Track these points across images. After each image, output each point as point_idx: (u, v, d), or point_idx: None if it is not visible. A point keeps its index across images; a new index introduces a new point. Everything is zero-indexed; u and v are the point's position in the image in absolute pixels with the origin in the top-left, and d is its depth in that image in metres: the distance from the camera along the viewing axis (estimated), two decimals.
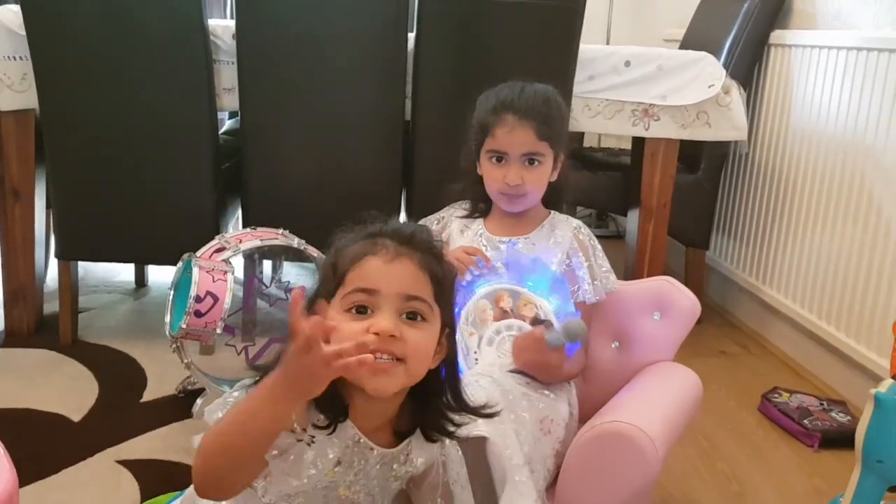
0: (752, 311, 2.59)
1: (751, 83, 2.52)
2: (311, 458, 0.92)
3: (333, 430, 0.92)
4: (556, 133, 1.38)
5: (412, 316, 0.91)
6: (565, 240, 1.41)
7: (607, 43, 3.52)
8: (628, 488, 1.19)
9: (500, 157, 1.40)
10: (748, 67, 2.47)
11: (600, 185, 2.51)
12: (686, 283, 2.56)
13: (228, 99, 2.08)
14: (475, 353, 1.34)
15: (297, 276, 2.71)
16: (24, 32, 1.91)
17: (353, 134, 2.08)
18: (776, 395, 2.03)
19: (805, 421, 1.90)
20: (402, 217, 2.19)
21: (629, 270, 2.42)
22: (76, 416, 1.79)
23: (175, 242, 1.91)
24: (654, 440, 1.15)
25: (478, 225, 1.49)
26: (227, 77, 2.05)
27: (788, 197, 2.37)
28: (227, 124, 2.73)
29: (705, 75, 2.18)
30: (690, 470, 1.76)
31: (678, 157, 2.32)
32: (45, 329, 2.22)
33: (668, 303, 1.47)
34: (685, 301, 1.46)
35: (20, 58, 1.96)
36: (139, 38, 1.92)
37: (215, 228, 2.06)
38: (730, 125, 2.24)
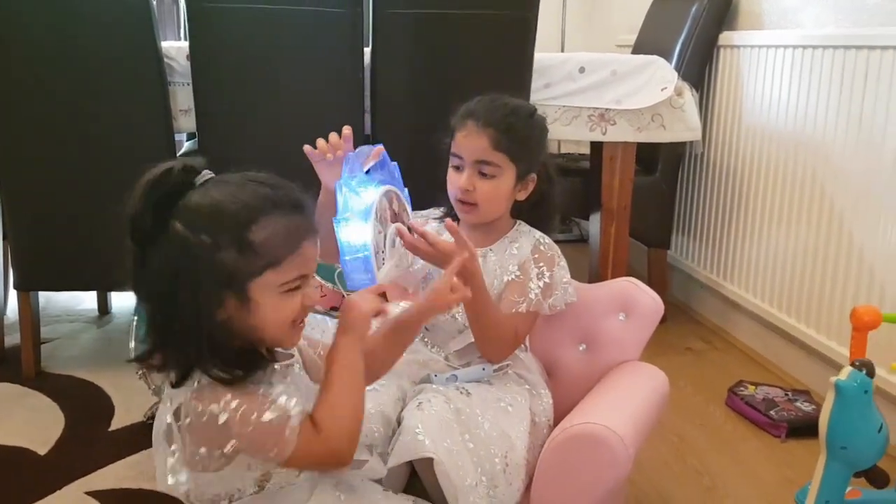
0: (715, 308, 2.63)
1: (702, 84, 2.57)
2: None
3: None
4: (518, 147, 1.37)
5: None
6: (523, 251, 1.41)
7: (562, 50, 3.57)
8: (601, 488, 1.20)
9: (457, 164, 1.41)
10: (699, 69, 2.52)
11: (562, 190, 2.53)
12: (650, 283, 2.61)
13: (185, 120, 2.06)
14: (383, 252, 1.24)
15: None
16: None
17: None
18: (742, 388, 2.07)
19: (771, 412, 1.94)
20: None
21: (594, 273, 2.45)
22: (42, 450, 1.76)
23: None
24: (623, 439, 1.17)
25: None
26: (182, 99, 2.04)
27: (744, 194, 2.42)
28: (185, 146, 2.70)
29: (657, 78, 2.23)
30: (662, 466, 1.78)
31: (636, 159, 2.36)
32: (8, 362, 2.18)
33: (632, 303, 1.49)
34: (649, 301, 1.48)
35: None
36: (91, 62, 1.91)
37: None
38: (684, 126, 2.28)
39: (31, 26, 1.87)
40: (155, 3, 1.93)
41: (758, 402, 1.99)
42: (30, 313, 2.08)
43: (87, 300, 2.66)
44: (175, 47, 2.01)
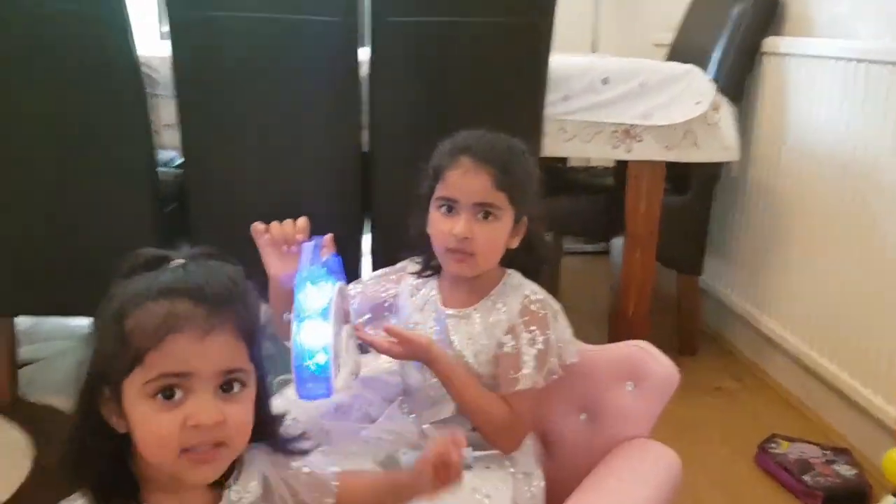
0: (750, 341, 2.41)
1: (743, 94, 2.33)
2: None
3: None
4: (517, 187, 1.19)
5: (229, 387, 0.79)
6: (510, 314, 1.22)
7: (593, 51, 3.33)
8: None
9: (450, 207, 1.22)
10: (739, 76, 2.29)
11: (581, 209, 2.33)
12: (679, 312, 2.44)
13: (170, 136, 1.91)
14: (339, 357, 1.12)
15: None
16: None
17: (307, 169, 1.92)
18: (773, 445, 1.86)
19: (806, 477, 1.73)
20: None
21: (615, 303, 2.25)
22: (4, 495, 1.64)
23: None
24: None
25: (429, 289, 1.30)
26: (166, 113, 1.88)
27: (785, 220, 2.19)
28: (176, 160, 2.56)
29: (692, 91, 2.00)
30: None
31: (665, 178, 2.15)
32: None
33: (641, 372, 1.29)
34: (661, 370, 1.28)
35: None
36: (63, 74, 1.76)
37: None
38: (719, 145, 2.05)
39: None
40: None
41: (791, 463, 1.78)
42: (4, 340, 1.96)
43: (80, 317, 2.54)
44: (158, 57, 1.84)
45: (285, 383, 1.14)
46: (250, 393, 0.81)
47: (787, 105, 2.18)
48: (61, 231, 1.88)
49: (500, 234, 1.21)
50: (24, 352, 2.10)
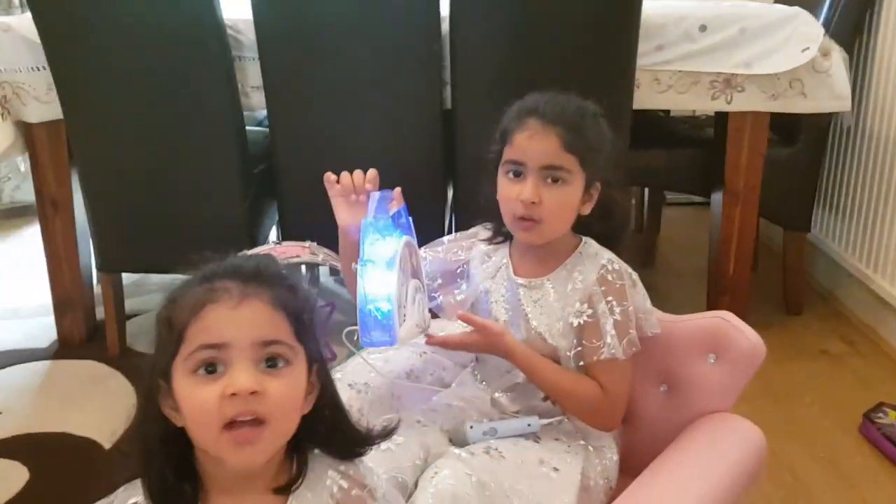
0: (863, 302, 2.25)
1: (859, 38, 2.14)
2: None
3: None
4: (587, 149, 1.13)
5: (272, 363, 0.77)
6: (586, 284, 1.17)
7: None
8: None
9: (517, 172, 1.17)
10: (856, 18, 2.10)
11: (679, 163, 2.22)
12: (784, 270, 2.31)
13: (257, 97, 1.93)
14: (404, 307, 1.09)
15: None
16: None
17: (390, 129, 1.91)
18: (881, 415, 1.74)
19: None
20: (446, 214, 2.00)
21: (713, 261, 2.15)
22: (108, 443, 1.75)
23: (210, 252, 1.81)
24: None
25: (501, 256, 1.27)
26: (253, 74, 1.91)
27: None
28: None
29: (798, 36, 1.86)
30: None
31: (772, 127, 2.01)
32: (99, 337, 2.18)
33: (724, 344, 1.22)
34: (745, 343, 1.21)
35: (43, 68, 1.89)
36: (154, 41, 1.80)
37: (249, 236, 1.96)
38: (829, 94, 1.91)
39: (90, 5, 1.78)
40: None
41: None
42: (111, 293, 2.07)
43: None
44: (244, 20, 1.86)
45: (354, 332, 1.14)
46: (296, 372, 0.79)
47: None
48: (158, 193, 1.95)
49: (569, 199, 1.16)
50: (129, 304, 2.21)
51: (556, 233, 1.19)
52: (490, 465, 1.08)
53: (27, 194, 3.36)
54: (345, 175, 1.20)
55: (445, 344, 1.17)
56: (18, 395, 1.95)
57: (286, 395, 0.78)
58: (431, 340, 1.16)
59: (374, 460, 1.04)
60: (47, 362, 2.10)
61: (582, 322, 1.15)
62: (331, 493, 0.84)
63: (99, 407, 1.88)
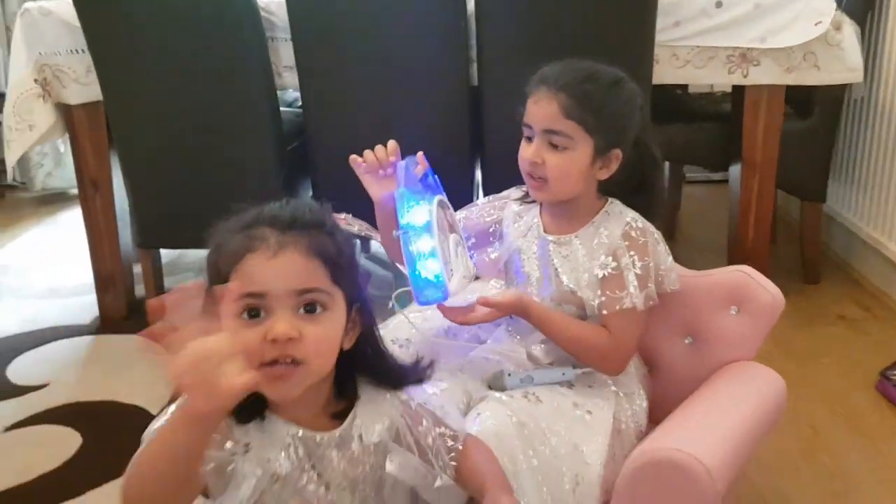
0: (878, 269, 2.31)
1: (871, 11, 2.19)
2: (252, 464, 0.85)
3: (259, 420, 0.87)
4: (594, 116, 1.19)
5: (310, 308, 0.83)
6: (612, 239, 1.24)
7: None
8: None
9: (529, 134, 1.25)
10: None
11: (697, 138, 2.28)
12: (801, 240, 2.37)
13: (290, 77, 2.01)
14: (449, 263, 1.17)
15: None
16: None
17: (418, 105, 1.98)
18: None
19: None
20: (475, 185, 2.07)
21: (733, 231, 2.21)
22: (155, 409, 1.83)
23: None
24: (711, 471, 1.01)
25: (532, 215, 1.35)
26: (286, 54, 1.98)
27: None
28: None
29: (810, 11, 1.92)
30: (788, 463, 1.59)
31: (787, 101, 2.07)
32: (138, 313, 2.27)
33: (746, 297, 1.29)
34: (766, 296, 1.28)
35: (82, 51, 1.97)
36: (191, 22, 1.89)
37: None
38: (842, 66, 1.96)
39: None
40: None
41: None
42: (151, 269, 2.16)
43: None
44: (275, 2, 1.93)
45: (402, 295, 1.22)
46: (334, 316, 0.85)
47: None
48: (195, 171, 2.03)
49: (572, 162, 1.21)
50: (166, 283, 2.29)
51: (565, 192, 1.25)
52: (528, 407, 1.16)
53: (60, 181, 3.46)
54: (367, 153, 1.25)
55: (468, 322, 1.23)
56: (65, 368, 2.04)
57: (322, 339, 0.84)
58: (448, 315, 1.22)
59: None
60: (90, 337, 2.19)
61: (606, 274, 1.22)
62: (390, 410, 0.93)
63: (143, 377, 1.96)
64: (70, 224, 3.17)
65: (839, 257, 2.52)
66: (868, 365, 1.90)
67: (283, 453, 0.87)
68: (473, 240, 1.37)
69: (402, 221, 1.12)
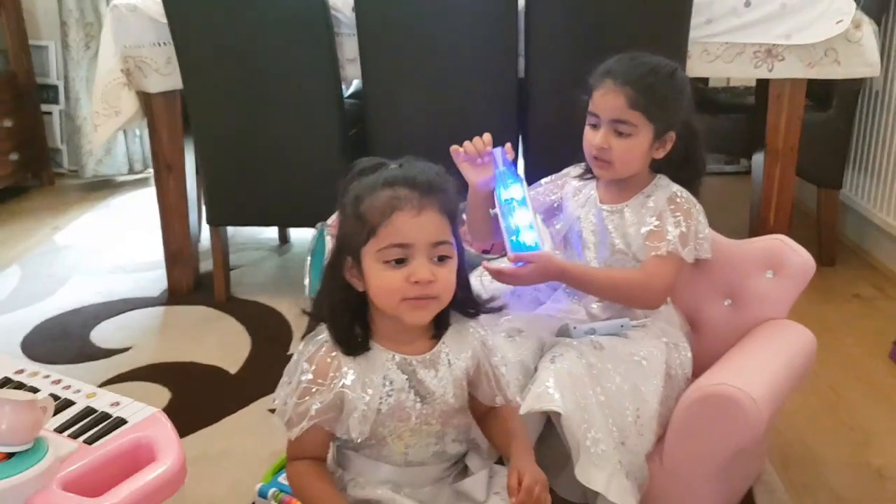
0: (891, 252, 2.49)
1: (887, 11, 2.37)
2: (360, 384, 1.04)
3: (363, 350, 1.05)
4: (655, 106, 1.37)
5: (442, 258, 1.03)
6: (658, 204, 1.42)
7: None
8: (732, 447, 1.24)
9: (594, 122, 1.43)
10: None
11: (723, 127, 2.46)
12: (818, 224, 2.55)
13: (352, 69, 2.18)
14: (541, 233, 1.41)
15: None
16: (165, 20, 2.09)
17: (469, 95, 2.15)
18: None
19: None
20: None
21: (755, 215, 2.38)
22: (233, 369, 2.01)
23: (310, 206, 2.05)
24: (757, 402, 1.19)
25: (590, 189, 1.53)
26: (349, 48, 2.16)
27: None
28: (353, 85, 2.84)
29: (833, 10, 2.08)
30: (812, 419, 1.77)
31: (807, 94, 2.24)
32: (203, 287, 2.45)
33: (780, 261, 1.47)
34: (798, 259, 1.46)
35: (164, 44, 2.15)
36: (267, 19, 2.06)
37: None
38: (861, 61, 2.13)
39: None
40: None
41: None
42: (220, 245, 2.33)
43: (269, 230, 2.92)
44: (341, 0, 2.11)
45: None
46: (454, 262, 1.06)
47: None
48: (265, 155, 2.20)
49: (635, 147, 1.40)
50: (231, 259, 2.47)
51: (627, 171, 1.44)
52: (595, 351, 1.34)
53: (109, 168, 3.64)
54: (467, 144, 1.44)
55: (500, 273, 1.39)
56: (143, 334, 2.21)
57: (449, 280, 1.05)
58: (487, 266, 1.40)
59: (504, 348, 1.31)
60: (161, 308, 2.37)
61: (651, 229, 1.41)
62: (472, 342, 1.12)
63: (217, 342, 2.14)
64: (121, 208, 3.37)
65: (853, 242, 2.70)
66: (881, 337, 2.08)
67: (382, 375, 1.06)
68: (541, 215, 1.55)
69: (505, 196, 1.35)
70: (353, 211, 1.04)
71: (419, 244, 1.01)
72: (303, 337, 1.12)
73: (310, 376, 1.05)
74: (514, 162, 1.45)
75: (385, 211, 1.01)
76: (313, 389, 1.04)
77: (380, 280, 1.02)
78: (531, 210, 1.35)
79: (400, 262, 1.01)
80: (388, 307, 1.03)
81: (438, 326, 1.11)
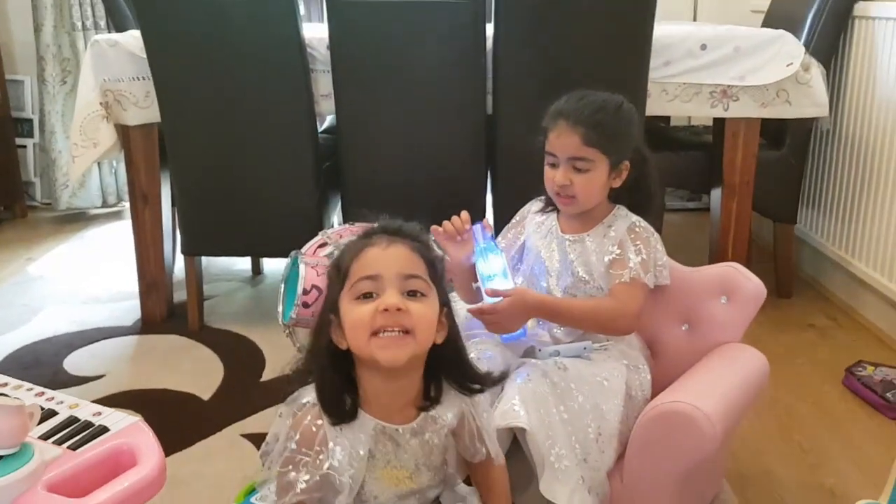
0: (844, 285, 2.59)
1: (835, 55, 2.50)
2: (346, 460, 1.02)
3: (351, 420, 1.04)
4: (607, 140, 1.45)
5: (413, 293, 1.03)
6: (619, 233, 1.50)
7: (694, 17, 3.52)
8: (688, 462, 1.30)
9: (553, 162, 1.51)
10: (832, 39, 2.46)
11: (683, 164, 2.56)
12: (775, 258, 2.66)
13: (326, 104, 2.26)
14: None
15: None
16: (145, 55, 2.15)
17: (439, 130, 2.23)
18: (860, 369, 2.07)
19: (888, 394, 1.94)
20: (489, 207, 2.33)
21: (714, 248, 2.48)
22: (206, 395, 2.04)
23: (284, 237, 2.09)
24: (710, 417, 1.25)
25: (551, 221, 1.60)
26: (323, 84, 2.23)
27: (875, 170, 2.37)
28: (327, 120, 2.92)
29: (783, 54, 2.21)
30: (767, 441, 1.84)
31: (762, 133, 2.36)
32: (176, 316, 2.49)
33: (733, 287, 1.55)
34: (750, 285, 1.54)
35: (143, 78, 2.21)
36: (244, 55, 2.13)
37: (319, 223, 2.26)
38: (810, 102, 2.25)
39: (195, 25, 2.11)
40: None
41: (875, 384, 1.99)
42: (194, 275, 2.37)
43: (241, 261, 2.96)
44: (316, 38, 2.19)
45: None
46: (432, 304, 1.04)
47: (876, 65, 2.35)
48: (241, 187, 2.26)
49: (594, 179, 1.48)
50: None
51: (590, 203, 1.52)
52: (559, 372, 1.40)
53: (82, 201, 3.66)
54: (446, 223, 1.51)
55: (481, 312, 1.43)
56: (116, 362, 2.23)
57: (424, 314, 1.03)
58: (471, 310, 1.45)
59: None
60: (135, 337, 2.39)
61: (613, 258, 1.48)
62: (458, 401, 1.13)
63: (190, 370, 2.17)
64: (94, 240, 3.39)
65: (808, 275, 2.81)
66: (835, 364, 2.16)
67: (369, 447, 1.05)
68: (515, 259, 1.62)
69: (486, 272, 1.42)
70: (333, 266, 1.08)
71: (387, 274, 1.02)
72: (285, 398, 1.11)
73: (294, 446, 1.03)
74: (493, 235, 1.52)
75: (357, 250, 1.05)
76: (297, 459, 1.03)
77: (350, 317, 1.02)
78: (511, 281, 1.43)
79: (369, 296, 1.02)
80: (360, 347, 1.02)
81: (428, 397, 1.11)
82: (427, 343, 1.05)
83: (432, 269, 1.07)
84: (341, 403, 1.04)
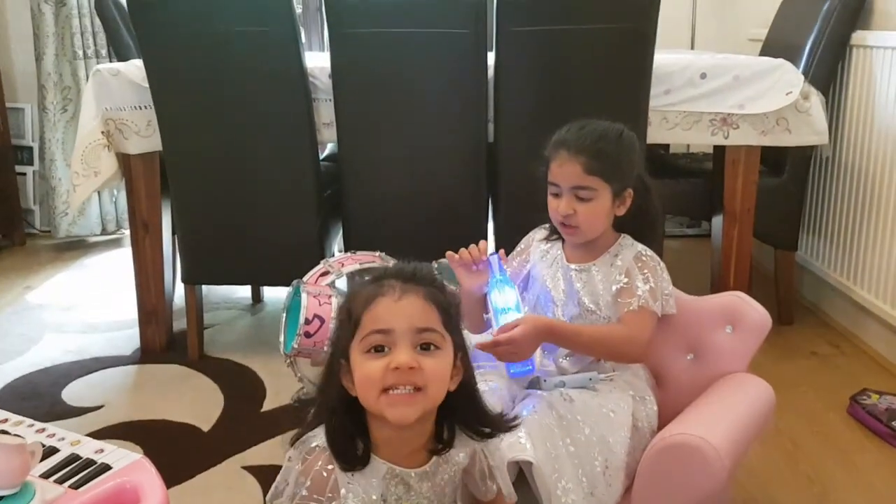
0: (846, 312, 2.59)
1: (834, 83, 2.52)
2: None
3: (363, 466, 1.01)
4: (609, 168, 1.45)
5: (426, 347, 0.99)
6: (625, 262, 1.49)
7: (692, 46, 3.55)
8: (696, 495, 1.29)
9: (556, 191, 1.51)
10: (831, 68, 2.47)
11: (684, 191, 2.56)
12: (776, 285, 2.65)
13: (328, 133, 2.26)
14: None
15: None
16: (147, 85, 2.16)
17: (440, 159, 2.23)
18: (865, 397, 2.06)
19: (893, 423, 1.93)
20: (490, 237, 2.33)
21: (715, 275, 2.48)
22: (205, 426, 2.02)
23: (285, 265, 2.12)
24: (718, 450, 1.24)
25: (556, 249, 1.60)
26: (325, 113, 2.24)
27: (875, 197, 2.37)
28: (328, 148, 2.92)
29: (783, 83, 2.22)
30: (773, 471, 1.82)
31: (763, 160, 2.36)
32: (176, 345, 2.47)
33: (738, 316, 1.54)
34: (755, 314, 1.53)
35: (145, 107, 2.21)
36: (247, 85, 2.14)
37: (320, 251, 2.26)
38: (810, 130, 2.26)
39: (197, 54, 2.12)
40: (302, 30, 2.13)
41: (880, 412, 1.98)
42: (194, 304, 2.36)
43: (241, 290, 2.95)
44: (318, 67, 2.20)
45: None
46: (446, 356, 1.01)
47: (875, 92, 2.36)
48: (243, 214, 2.26)
49: (598, 208, 1.48)
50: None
51: (594, 232, 1.52)
52: (564, 403, 1.39)
53: (81, 228, 3.66)
54: (463, 251, 1.50)
55: (497, 344, 1.38)
56: (115, 393, 2.22)
57: (437, 370, 0.99)
58: (481, 344, 1.41)
59: None
60: (134, 366, 2.37)
61: (621, 286, 1.47)
62: (470, 441, 1.10)
63: (190, 400, 2.15)
64: (93, 268, 3.38)
65: (810, 302, 2.80)
66: (839, 393, 2.15)
67: (381, 493, 1.02)
68: (521, 287, 1.61)
69: (500, 304, 1.41)
70: (343, 310, 1.04)
71: (400, 329, 0.98)
72: (293, 441, 1.07)
73: (305, 492, 1.01)
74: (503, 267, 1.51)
75: (368, 299, 1.00)
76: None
77: (360, 372, 0.98)
78: (523, 312, 1.42)
79: (380, 349, 0.98)
80: (370, 403, 0.99)
81: (440, 440, 1.08)
82: (440, 398, 1.02)
83: (447, 317, 1.02)
84: (352, 449, 1.02)
